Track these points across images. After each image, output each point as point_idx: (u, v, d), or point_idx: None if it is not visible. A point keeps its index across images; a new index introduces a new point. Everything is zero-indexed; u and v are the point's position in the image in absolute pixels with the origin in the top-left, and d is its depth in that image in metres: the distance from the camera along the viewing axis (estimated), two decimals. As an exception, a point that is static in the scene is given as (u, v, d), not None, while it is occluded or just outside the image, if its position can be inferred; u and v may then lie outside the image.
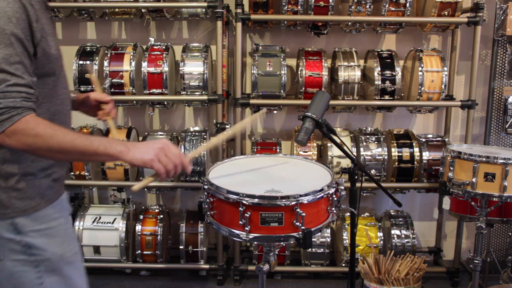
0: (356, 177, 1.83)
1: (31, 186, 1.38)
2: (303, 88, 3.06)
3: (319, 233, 3.01)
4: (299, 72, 3.10)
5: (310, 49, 3.18)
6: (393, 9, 3.03)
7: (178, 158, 1.35)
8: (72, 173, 3.05)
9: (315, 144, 3.18)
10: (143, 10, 3.17)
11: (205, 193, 1.56)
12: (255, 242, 1.65)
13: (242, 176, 1.69)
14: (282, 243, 1.50)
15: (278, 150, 3.23)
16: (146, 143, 1.34)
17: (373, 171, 3.08)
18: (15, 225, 1.36)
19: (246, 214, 1.42)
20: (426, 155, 3.12)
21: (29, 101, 1.25)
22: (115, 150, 1.29)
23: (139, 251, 3.17)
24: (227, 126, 3.13)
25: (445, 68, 3.05)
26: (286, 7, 2.99)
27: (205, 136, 3.17)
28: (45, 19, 1.34)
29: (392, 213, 3.38)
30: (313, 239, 1.46)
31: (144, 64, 3.02)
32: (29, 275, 1.39)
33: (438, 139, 3.22)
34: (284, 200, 1.42)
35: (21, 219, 1.36)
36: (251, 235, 1.44)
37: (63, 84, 1.46)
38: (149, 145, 1.33)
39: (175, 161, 1.34)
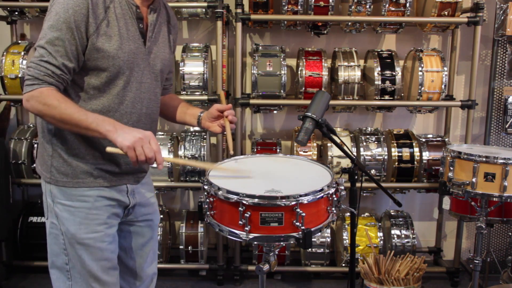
0: (356, 177, 1.83)
1: (69, 164, 1.58)
2: (303, 88, 3.06)
3: (319, 233, 3.00)
4: (299, 72, 3.10)
5: (310, 49, 3.18)
6: (393, 9, 3.03)
7: (152, 153, 1.42)
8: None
9: (315, 144, 3.18)
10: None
11: (205, 193, 1.56)
12: (255, 242, 1.65)
13: (241, 177, 1.69)
14: (282, 243, 1.49)
15: (278, 150, 3.23)
16: (132, 130, 1.45)
17: (373, 171, 3.08)
18: (52, 192, 1.61)
19: (246, 214, 1.42)
20: (426, 155, 3.12)
21: (52, 78, 1.44)
22: (103, 129, 1.42)
23: (139, 251, 3.17)
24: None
25: (445, 68, 3.05)
26: (286, 7, 2.99)
27: (205, 136, 3.17)
28: (121, 23, 1.53)
29: (392, 213, 3.38)
30: (313, 239, 1.46)
31: (144, 64, 3.02)
32: (58, 238, 1.61)
33: (438, 139, 3.22)
34: (284, 200, 1.42)
35: (54, 189, 1.60)
36: (251, 235, 1.43)
37: (130, 86, 1.58)
38: (133, 133, 1.42)
39: (149, 155, 1.41)
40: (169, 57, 1.75)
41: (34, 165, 3.06)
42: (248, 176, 1.65)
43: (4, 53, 3.06)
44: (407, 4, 3.01)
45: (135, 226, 1.78)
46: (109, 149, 1.46)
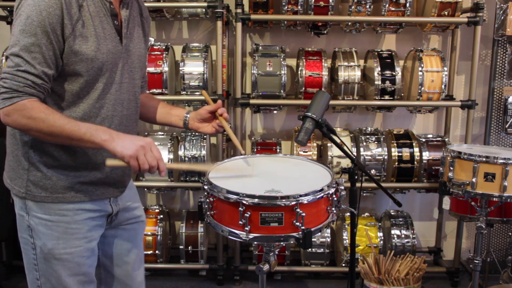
0: (356, 177, 1.83)
1: (49, 178, 1.48)
2: (303, 88, 3.06)
3: (319, 233, 3.00)
4: (299, 72, 3.10)
5: (310, 49, 3.18)
6: (393, 9, 3.03)
7: (155, 162, 1.37)
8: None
9: (315, 144, 3.18)
10: (143, 10, 3.17)
11: (205, 193, 1.56)
12: (255, 242, 1.65)
13: (242, 176, 1.69)
14: (282, 243, 1.49)
15: (278, 150, 3.23)
16: (131, 137, 1.38)
17: (373, 171, 3.08)
18: (26, 205, 1.50)
19: (246, 214, 1.41)
20: (426, 155, 3.12)
21: (33, 89, 1.33)
22: (99, 139, 1.34)
23: (139, 251, 3.17)
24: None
25: (445, 68, 3.05)
26: (286, 7, 2.99)
27: (205, 136, 3.17)
28: (96, 21, 1.43)
29: (392, 213, 3.38)
30: (313, 239, 1.46)
31: (144, 64, 3.02)
32: (29, 254, 1.53)
33: (438, 139, 3.22)
34: (284, 200, 1.42)
35: (30, 202, 1.50)
36: (251, 235, 1.43)
37: (110, 88, 1.50)
38: (133, 141, 1.35)
39: (151, 163, 1.36)
40: (144, 53, 1.66)
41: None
42: (251, 174, 1.64)
43: (4, 53, 3.06)
44: (407, 4, 3.00)
45: (119, 230, 1.71)
46: (109, 162, 1.38)
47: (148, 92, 1.89)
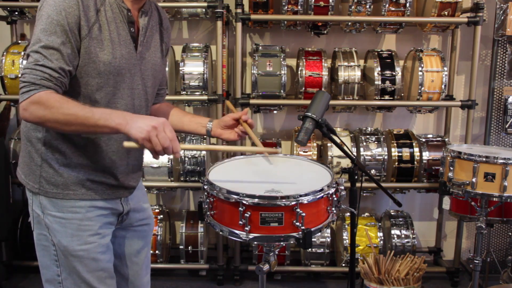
0: (356, 177, 1.83)
1: (60, 174, 1.52)
2: (303, 88, 3.06)
3: (319, 233, 2.99)
4: (299, 72, 3.10)
5: (310, 49, 3.18)
6: (393, 9, 3.03)
7: (168, 142, 1.36)
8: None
9: (315, 144, 3.18)
10: (143, 10, 3.17)
11: (205, 193, 1.55)
12: (255, 242, 1.65)
13: (242, 176, 1.69)
14: (282, 243, 1.49)
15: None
16: (144, 119, 1.36)
17: (373, 171, 3.08)
18: (41, 203, 1.53)
19: (246, 214, 1.41)
20: (426, 155, 3.12)
21: (50, 82, 1.36)
22: (114, 123, 1.33)
23: (139, 251, 3.17)
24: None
25: (445, 68, 3.05)
26: (286, 7, 2.99)
27: (205, 136, 3.17)
28: (112, 27, 1.47)
29: (392, 213, 3.38)
30: (313, 239, 1.46)
31: (144, 64, 3.02)
32: (50, 250, 1.55)
33: (438, 139, 3.22)
34: (284, 200, 1.42)
35: (44, 200, 1.53)
36: (251, 235, 1.43)
37: (121, 93, 1.53)
38: (145, 121, 1.33)
39: (165, 144, 1.35)
40: (160, 62, 1.68)
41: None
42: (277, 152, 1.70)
43: (4, 53, 3.06)
44: (407, 4, 3.01)
45: (129, 231, 1.73)
46: (126, 144, 1.39)
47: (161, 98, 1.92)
